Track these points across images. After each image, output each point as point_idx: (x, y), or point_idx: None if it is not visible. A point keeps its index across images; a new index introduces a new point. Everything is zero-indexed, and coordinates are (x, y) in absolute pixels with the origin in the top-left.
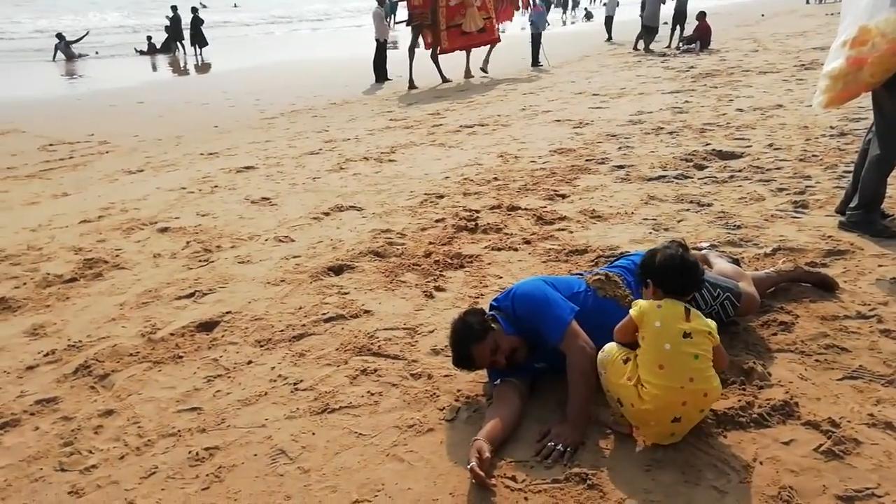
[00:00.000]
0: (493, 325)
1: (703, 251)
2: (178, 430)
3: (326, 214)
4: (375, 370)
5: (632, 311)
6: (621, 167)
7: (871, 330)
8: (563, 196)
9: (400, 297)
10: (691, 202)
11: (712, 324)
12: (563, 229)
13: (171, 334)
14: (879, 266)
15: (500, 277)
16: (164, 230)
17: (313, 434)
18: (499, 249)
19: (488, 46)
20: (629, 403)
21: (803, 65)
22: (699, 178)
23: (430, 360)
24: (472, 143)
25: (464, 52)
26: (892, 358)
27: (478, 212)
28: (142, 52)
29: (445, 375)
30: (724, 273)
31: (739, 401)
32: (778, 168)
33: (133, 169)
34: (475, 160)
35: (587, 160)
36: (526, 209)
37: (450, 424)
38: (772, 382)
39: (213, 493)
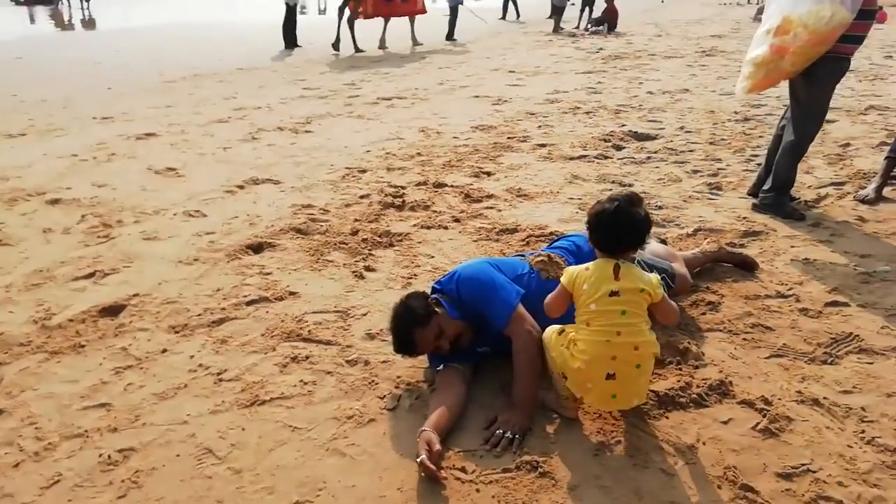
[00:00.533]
0: (437, 308)
1: None
2: (85, 431)
3: (241, 188)
4: (307, 357)
5: (562, 279)
6: (543, 146)
7: (791, 309)
8: (489, 174)
9: (328, 277)
10: (613, 182)
11: (653, 279)
12: (491, 207)
13: (70, 320)
14: (792, 247)
15: (432, 257)
16: (54, 202)
17: (243, 429)
18: (428, 227)
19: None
20: (566, 368)
21: (704, 51)
22: (618, 159)
23: (366, 346)
24: (391, 116)
25: (382, 20)
26: (811, 336)
27: (403, 188)
28: (18, 3)
29: (383, 361)
30: (657, 254)
31: (678, 381)
32: (691, 150)
33: (13, 133)
34: (396, 134)
35: (509, 138)
36: (452, 186)
37: (391, 414)
38: (706, 362)
39: (130, 500)
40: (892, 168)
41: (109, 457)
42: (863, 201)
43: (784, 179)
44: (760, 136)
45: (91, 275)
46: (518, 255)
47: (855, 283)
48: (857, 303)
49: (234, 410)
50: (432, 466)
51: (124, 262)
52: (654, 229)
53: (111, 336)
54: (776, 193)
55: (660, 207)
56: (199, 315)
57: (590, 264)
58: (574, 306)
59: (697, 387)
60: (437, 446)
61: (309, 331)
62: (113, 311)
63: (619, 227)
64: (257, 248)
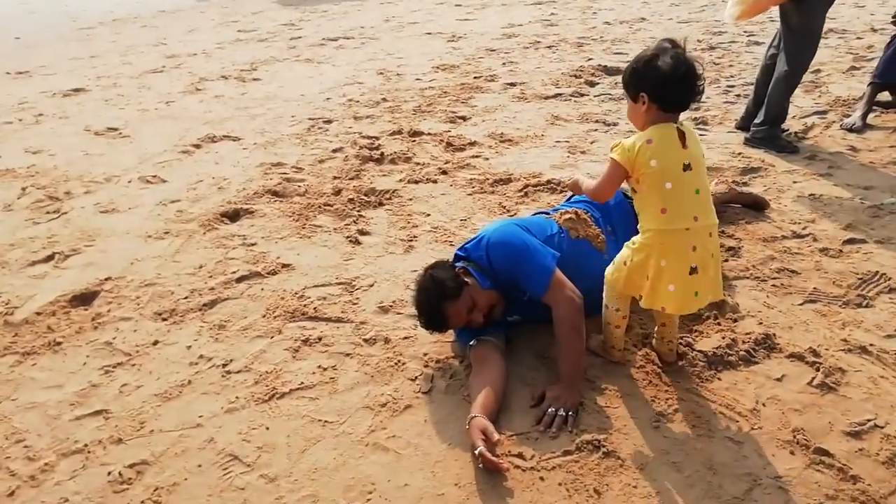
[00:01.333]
0: (466, 279)
1: None
2: (85, 445)
3: (197, 147)
4: (319, 339)
5: (615, 156)
6: (513, 85)
7: (812, 250)
8: (464, 118)
9: (320, 245)
10: (597, 121)
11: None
12: (477, 156)
13: (37, 314)
14: (794, 182)
15: (428, 215)
16: None
17: (267, 429)
18: (416, 182)
19: None
20: (634, 281)
21: None
22: (595, 96)
23: (381, 321)
24: (342, 58)
25: None
26: (839, 278)
27: (377, 138)
28: None
29: (405, 338)
30: None
31: (722, 338)
32: None
33: None
34: (353, 78)
35: (475, 77)
36: (430, 134)
37: (428, 398)
38: (743, 314)
39: None
40: (875, 94)
41: (120, 474)
42: (850, 129)
43: (777, 111)
44: (730, 66)
45: (49, 258)
46: (540, 213)
47: (866, 217)
48: (874, 239)
49: (251, 407)
50: (493, 458)
51: (84, 240)
52: None
53: (90, 329)
54: (769, 126)
55: None
56: (187, 298)
57: (649, 134)
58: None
59: (743, 342)
60: (496, 435)
61: (315, 308)
62: (85, 299)
63: (694, 77)
64: (233, 216)
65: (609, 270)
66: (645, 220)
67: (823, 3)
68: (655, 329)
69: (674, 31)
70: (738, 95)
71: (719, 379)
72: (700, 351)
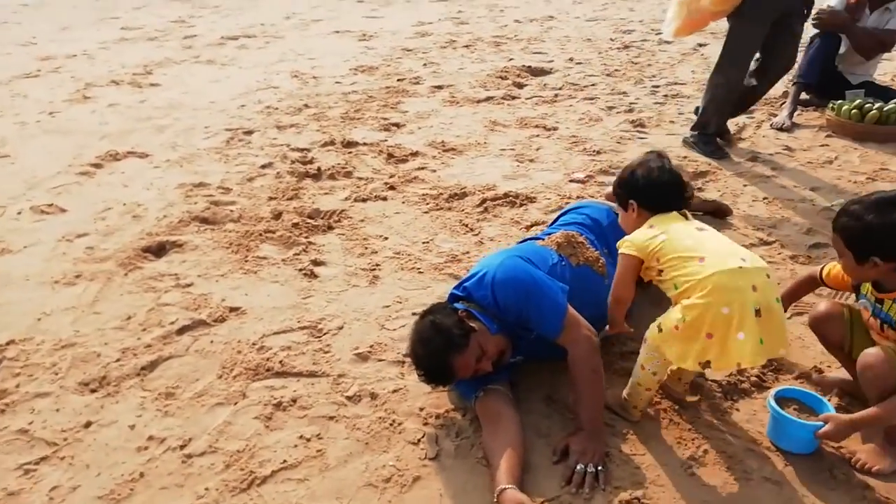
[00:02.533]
0: (472, 324)
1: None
2: None
3: (97, 167)
4: (294, 400)
5: (626, 250)
6: (440, 87)
7: (783, 258)
8: (398, 125)
9: (270, 281)
10: (536, 126)
11: None
12: (422, 167)
13: None
14: (745, 186)
15: (386, 238)
16: None
17: None
18: (363, 200)
19: None
20: (699, 336)
21: None
22: (527, 98)
23: (361, 371)
24: (248, 59)
25: None
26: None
27: (309, 150)
28: None
29: (394, 391)
30: None
31: None
32: (593, 84)
33: None
34: (266, 82)
35: (399, 80)
36: (366, 144)
37: (436, 465)
38: None
39: None
40: (799, 93)
41: None
42: (780, 129)
43: (704, 121)
44: (649, 65)
45: None
46: (529, 240)
47: (822, 220)
48: None
49: (227, 501)
50: None
51: None
52: (605, 178)
53: None
54: (698, 132)
55: (598, 153)
56: (118, 361)
57: (651, 221)
58: None
59: (751, 367)
60: None
61: (280, 361)
62: None
63: (675, 185)
64: (158, 251)
65: (653, 333)
66: (687, 283)
67: (760, 18)
68: (671, 369)
69: (583, 28)
70: (666, 96)
71: (738, 410)
72: (714, 381)
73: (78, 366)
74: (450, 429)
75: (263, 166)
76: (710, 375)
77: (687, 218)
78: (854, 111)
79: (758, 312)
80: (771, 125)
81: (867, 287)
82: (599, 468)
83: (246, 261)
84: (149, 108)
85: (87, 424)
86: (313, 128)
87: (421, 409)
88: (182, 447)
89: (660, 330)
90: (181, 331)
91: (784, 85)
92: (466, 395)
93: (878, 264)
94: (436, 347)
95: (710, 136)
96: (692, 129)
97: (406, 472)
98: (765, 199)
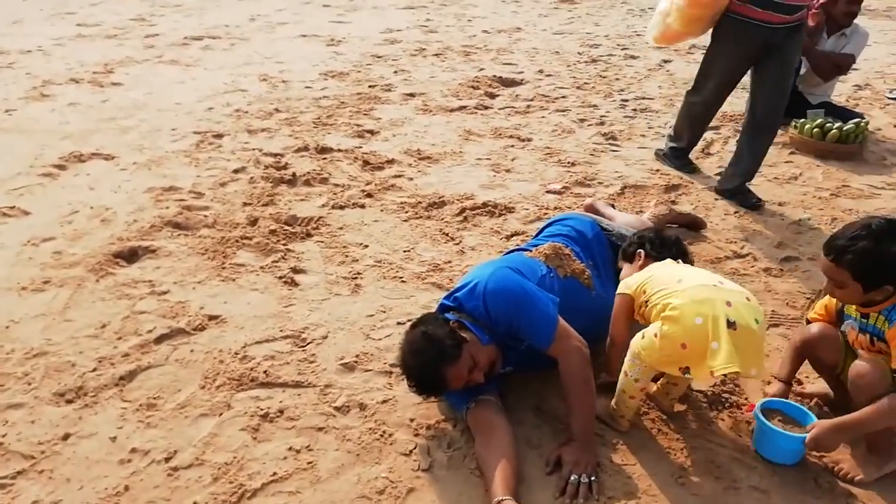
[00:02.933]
0: (464, 335)
1: (590, 200)
2: None
3: (61, 168)
4: (281, 411)
5: (624, 290)
6: (412, 95)
7: (756, 270)
8: (372, 132)
9: (249, 289)
10: (511, 137)
11: None
12: (399, 175)
13: None
14: (716, 199)
15: (366, 246)
16: None
17: None
18: (341, 207)
19: None
20: (675, 346)
21: None
22: (500, 109)
23: (348, 381)
24: (214, 61)
25: None
26: (789, 298)
27: (282, 155)
28: None
29: (383, 401)
30: (630, 224)
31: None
32: (563, 97)
33: None
34: (234, 84)
35: (370, 86)
36: (340, 150)
37: (429, 476)
38: None
39: None
40: None
41: None
42: None
43: (675, 131)
44: (617, 79)
45: None
46: (516, 251)
47: (791, 234)
48: (806, 256)
49: None
50: None
51: None
52: (580, 189)
53: None
54: (668, 141)
55: (572, 164)
56: (94, 370)
57: (646, 267)
58: None
59: (731, 379)
60: None
61: (265, 371)
62: None
63: (679, 242)
64: (130, 256)
65: (637, 341)
66: (665, 299)
67: (730, 46)
68: (660, 383)
69: (551, 41)
70: (635, 110)
71: (723, 420)
72: (699, 392)
73: (52, 375)
74: (441, 440)
75: (236, 171)
76: (694, 387)
77: (679, 262)
78: (815, 130)
79: (732, 325)
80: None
81: (851, 308)
82: (592, 478)
83: (223, 268)
84: (112, 107)
85: (66, 437)
86: (285, 132)
87: (411, 420)
88: (167, 460)
89: (642, 337)
90: (159, 339)
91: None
92: (457, 406)
93: (888, 290)
94: (428, 358)
95: (681, 150)
96: (667, 139)
97: (399, 483)
98: (736, 212)
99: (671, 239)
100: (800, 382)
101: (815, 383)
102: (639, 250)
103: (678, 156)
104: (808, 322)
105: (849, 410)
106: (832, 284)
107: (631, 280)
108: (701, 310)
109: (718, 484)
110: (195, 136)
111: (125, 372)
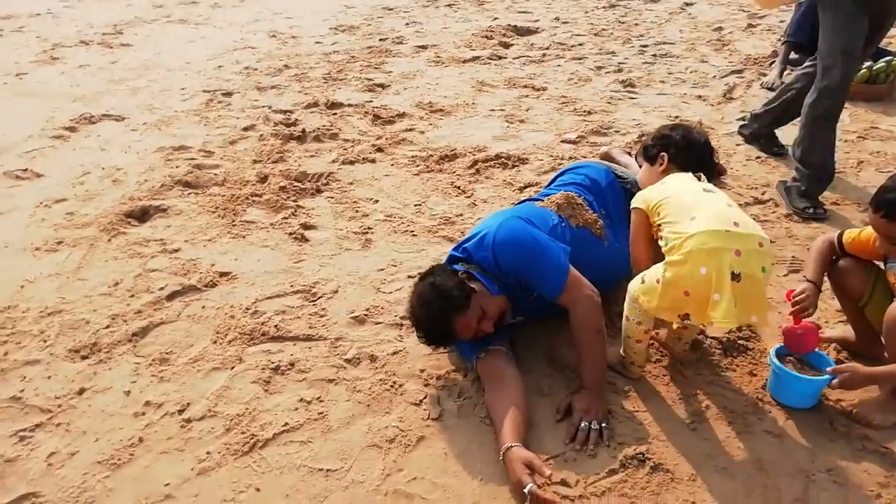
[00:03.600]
0: (472, 285)
1: (606, 148)
2: None
3: (72, 130)
4: (292, 364)
5: (639, 205)
6: (424, 48)
7: (777, 216)
8: (383, 86)
9: (259, 245)
10: (525, 87)
11: None
12: (410, 129)
13: None
14: (737, 145)
15: (377, 201)
16: None
17: (258, 490)
18: (351, 163)
19: None
20: (673, 294)
21: None
22: (514, 58)
23: (359, 334)
24: (223, 18)
25: None
26: (811, 243)
27: (292, 112)
28: None
29: (393, 353)
30: None
31: None
32: (580, 44)
33: None
34: (244, 42)
35: (381, 40)
36: (350, 105)
37: (440, 425)
38: None
39: None
40: (789, 52)
41: None
42: (770, 89)
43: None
44: (636, 24)
45: None
46: (527, 201)
47: None
48: (830, 200)
49: (230, 463)
50: (548, 496)
51: None
52: (597, 138)
53: None
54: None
55: (588, 113)
56: (108, 327)
57: (664, 179)
58: None
59: (746, 325)
60: (546, 469)
61: (276, 325)
62: None
63: (708, 147)
64: (141, 216)
65: (635, 285)
66: (674, 240)
67: (844, 18)
68: (672, 327)
69: None
70: (655, 55)
71: (738, 366)
72: (714, 338)
73: (67, 333)
74: (451, 389)
75: (246, 129)
76: (710, 333)
77: (700, 180)
78: None
79: (737, 277)
80: (761, 84)
81: None
82: (603, 425)
83: (233, 225)
84: (121, 69)
85: (81, 391)
86: (295, 89)
87: (421, 371)
88: (180, 412)
89: (642, 282)
90: (171, 296)
91: (772, 44)
92: (468, 356)
93: (664, 162)
94: (437, 309)
95: (815, 181)
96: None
97: (409, 432)
98: (757, 157)
99: (698, 143)
100: (819, 328)
101: (834, 328)
102: (662, 153)
103: (806, 193)
104: (840, 237)
105: (869, 356)
106: (886, 241)
107: (648, 194)
108: (707, 260)
109: (731, 429)
110: (205, 94)
111: (138, 328)
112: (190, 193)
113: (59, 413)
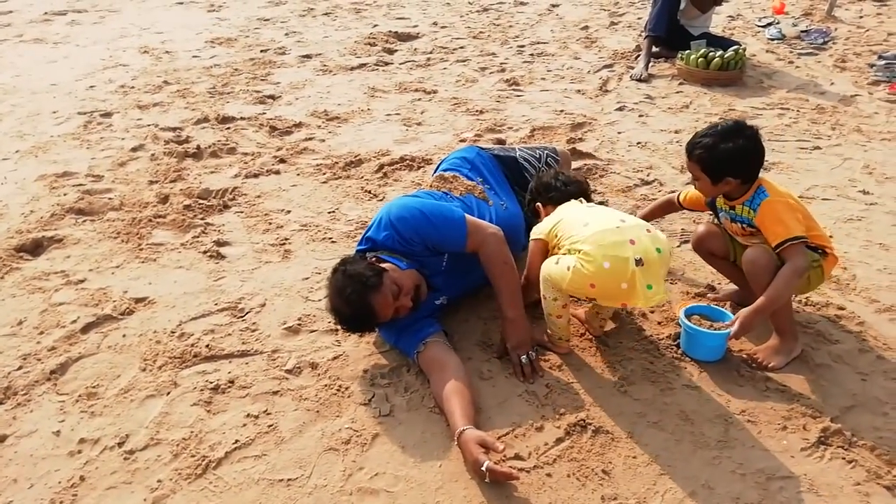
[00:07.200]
0: (382, 265)
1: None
2: None
3: None
4: (231, 382)
5: (537, 236)
6: (308, 57)
7: (663, 194)
8: (273, 97)
9: (173, 266)
10: (416, 90)
11: None
12: (310, 138)
13: None
14: (619, 133)
15: (288, 212)
16: None
17: None
18: (255, 175)
19: None
20: (583, 284)
21: None
22: (400, 63)
23: (295, 344)
24: (84, 36)
25: None
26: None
27: (181, 129)
28: None
29: (333, 358)
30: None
31: None
32: (461, 47)
33: None
34: (113, 59)
35: (262, 51)
36: (243, 118)
37: (392, 420)
38: None
39: None
40: (651, 46)
41: None
42: (639, 80)
43: None
44: (510, 26)
45: None
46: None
47: None
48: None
49: (185, 489)
50: (505, 469)
51: None
52: (492, 136)
53: None
54: None
55: (481, 112)
56: (20, 368)
57: (553, 214)
58: None
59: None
60: (499, 444)
61: (207, 345)
62: None
63: (572, 182)
64: (34, 249)
65: (548, 266)
66: (574, 243)
67: None
68: (590, 306)
69: None
70: (532, 55)
71: (646, 318)
72: (630, 310)
73: None
74: (397, 386)
75: (134, 149)
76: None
77: (583, 203)
78: (700, 59)
79: (639, 262)
80: (630, 77)
81: (720, 201)
82: (531, 353)
83: (140, 249)
84: None
85: (2, 438)
86: (180, 105)
87: (365, 372)
88: (120, 444)
89: (556, 263)
90: (86, 329)
91: (634, 40)
92: (408, 351)
93: (731, 182)
94: (353, 293)
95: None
96: None
97: (364, 431)
98: (638, 143)
99: (550, 179)
100: (713, 289)
101: (725, 288)
102: (536, 205)
103: None
104: (679, 200)
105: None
106: (693, 178)
107: (542, 225)
108: (608, 253)
109: (656, 387)
110: (81, 116)
111: (55, 365)
112: (85, 221)
113: None
